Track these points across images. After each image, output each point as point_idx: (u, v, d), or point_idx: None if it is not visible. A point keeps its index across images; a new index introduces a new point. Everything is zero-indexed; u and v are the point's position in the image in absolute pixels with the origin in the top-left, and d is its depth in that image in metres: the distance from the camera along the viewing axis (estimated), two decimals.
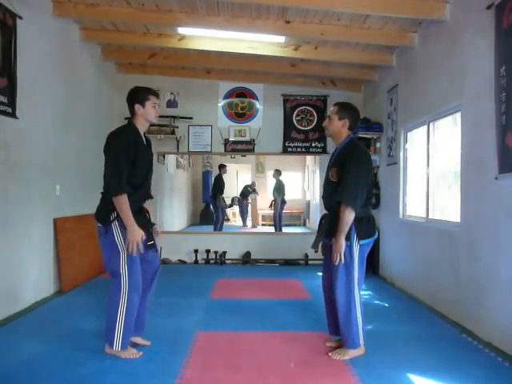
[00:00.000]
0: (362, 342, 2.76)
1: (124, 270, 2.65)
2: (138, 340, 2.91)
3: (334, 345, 2.96)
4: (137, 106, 2.73)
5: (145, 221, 2.79)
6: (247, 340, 3.10)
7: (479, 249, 3.24)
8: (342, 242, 2.65)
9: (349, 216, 2.62)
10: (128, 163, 2.61)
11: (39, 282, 4.06)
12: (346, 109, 2.82)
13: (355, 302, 2.70)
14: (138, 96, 2.75)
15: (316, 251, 2.87)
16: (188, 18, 4.38)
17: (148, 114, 2.76)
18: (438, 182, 4.21)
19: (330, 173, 2.82)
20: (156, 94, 2.83)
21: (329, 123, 2.85)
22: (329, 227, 2.76)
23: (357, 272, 2.71)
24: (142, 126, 2.79)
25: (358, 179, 2.63)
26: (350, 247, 2.68)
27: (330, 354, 2.81)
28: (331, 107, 2.92)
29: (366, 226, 2.73)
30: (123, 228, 2.62)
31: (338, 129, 2.81)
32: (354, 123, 2.82)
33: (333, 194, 2.72)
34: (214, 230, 8.53)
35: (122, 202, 2.56)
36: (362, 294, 2.83)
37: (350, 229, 2.66)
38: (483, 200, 3.20)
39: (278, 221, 9.20)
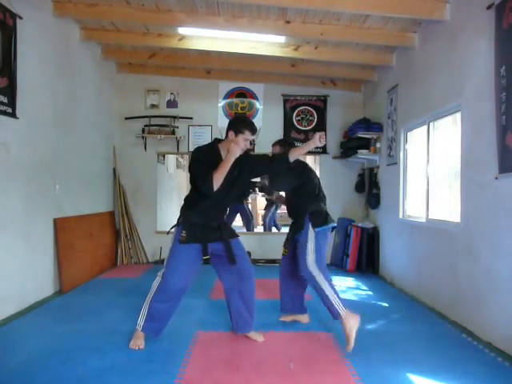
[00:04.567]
0: (343, 311, 2.90)
1: (162, 271, 2.92)
2: (250, 334, 3.14)
3: (288, 319, 3.48)
4: (230, 133, 2.86)
5: (210, 235, 2.90)
6: (247, 340, 3.11)
7: (479, 249, 3.24)
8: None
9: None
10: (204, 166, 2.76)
11: (39, 282, 4.07)
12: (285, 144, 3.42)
13: (317, 278, 3.05)
14: (236, 124, 2.88)
15: (286, 251, 3.45)
16: (188, 17, 4.38)
17: (235, 143, 2.81)
18: (438, 182, 4.21)
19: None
20: (254, 130, 2.88)
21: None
22: (293, 232, 3.36)
23: (313, 254, 3.13)
24: (225, 151, 2.87)
25: None
26: (305, 234, 3.17)
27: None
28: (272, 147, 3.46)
29: (318, 217, 3.22)
30: (177, 237, 2.87)
31: None
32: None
33: (292, 207, 3.41)
34: (247, 230, 8.02)
35: (213, 179, 2.72)
36: (330, 274, 3.18)
37: (305, 219, 3.20)
38: (483, 200, 3.20)
39: (268, 222, 8.53)
